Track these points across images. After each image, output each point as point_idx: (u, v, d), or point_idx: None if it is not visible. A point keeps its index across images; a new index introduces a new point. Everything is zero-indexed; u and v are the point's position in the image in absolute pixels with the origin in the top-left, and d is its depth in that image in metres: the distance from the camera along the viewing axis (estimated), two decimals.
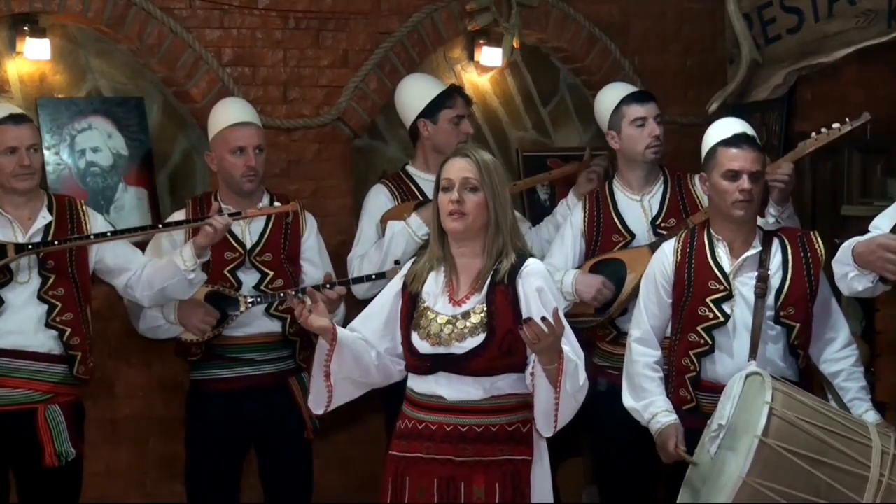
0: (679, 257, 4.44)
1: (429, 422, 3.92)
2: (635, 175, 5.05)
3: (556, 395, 3.81)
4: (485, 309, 3.87)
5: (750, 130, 4.45)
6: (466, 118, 5.23)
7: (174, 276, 4.69)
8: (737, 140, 4.34)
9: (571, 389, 3.83)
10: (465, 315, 3.89)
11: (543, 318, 3.73)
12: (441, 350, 3.88)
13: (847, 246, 4.09)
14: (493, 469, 3.89)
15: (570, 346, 3.88)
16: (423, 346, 3.91)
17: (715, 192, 4.37)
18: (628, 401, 4.46)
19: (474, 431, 3.88)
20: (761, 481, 3.81)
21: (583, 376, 3.87)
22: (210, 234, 4.65)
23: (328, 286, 4.80)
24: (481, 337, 3.86)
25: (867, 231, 4.14)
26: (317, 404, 4.03)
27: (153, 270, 4.75)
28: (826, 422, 3.92)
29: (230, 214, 4.78)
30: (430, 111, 5.20)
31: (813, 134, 4.79)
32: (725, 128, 4.44)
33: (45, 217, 4.63)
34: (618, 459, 4.98)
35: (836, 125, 4.74)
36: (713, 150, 4.38)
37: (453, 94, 5.24)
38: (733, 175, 4.30)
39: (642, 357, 4.45)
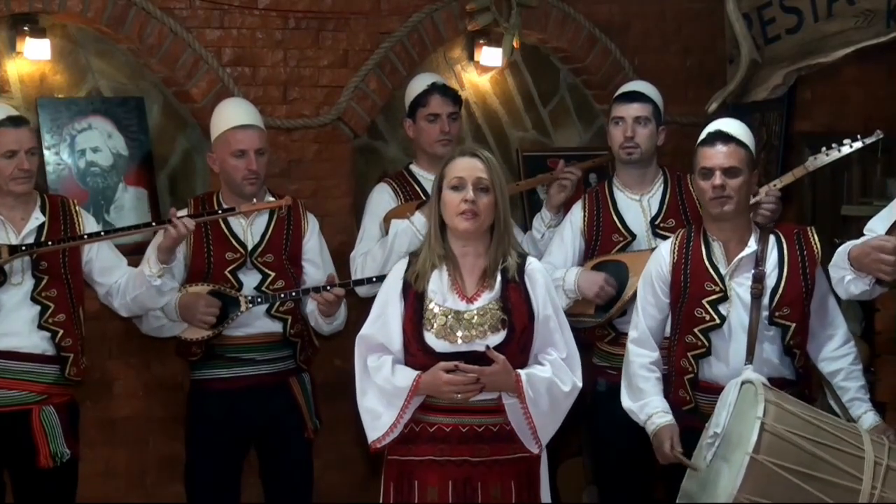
0: (675, 257, 4.44)
1: (441, 424, 3.92)
2: (629, 175, 5.04)
3: (526, 416, 3.87)
4: (501, 305, 3.89)
5: (731, 127, 4.39)
6: (446, 117, 5.17)
7: (143, 285, 4.68)
8: (711, 138, 4.35)
9: (547, 406, 3.88)
10: (481, 311, 3.90)
11: (487, 348, 3.84)
12: (462, 348, 3.88)
13: (843, 250, 4.09)
14: (508, 468, 3.92)
15: (557, 354, 3.92)
16: (440, 344, 3.91)
17: (697, 192, 4.43)
18: (626, 401, 4.46)
19: (490, 431, 3.91)
20: (753, 497, 3.81)
21: (565, 388, 3.90)
22: (171, 236, 4.60)
23: (328, 287, 4.81)
24: (503, 333, 3.89)
25: (863, 233, 4.14)
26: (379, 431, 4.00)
27: (127, 280, 4.75)
28: (818, 434, 3.91)
29: (224, 210, 4.79)
30: (412, 111, 5.24)
31: (823, 149, 4.74)
32: (708, 128, 4.44)
33: (37, 218, 4.62)
34: (616, 459, 4.97)
35: (847, 141, 4.69)
36: (695, 151, 4.40)
37: (428, 94, 5.21)
38: (706, 173, 4.31)
39: (638, 357, 4.45)
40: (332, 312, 4.86)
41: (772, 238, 4.39)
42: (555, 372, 3.91)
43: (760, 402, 3.91)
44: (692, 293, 4.38)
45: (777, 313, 4.31)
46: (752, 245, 4.35)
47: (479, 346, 3.88)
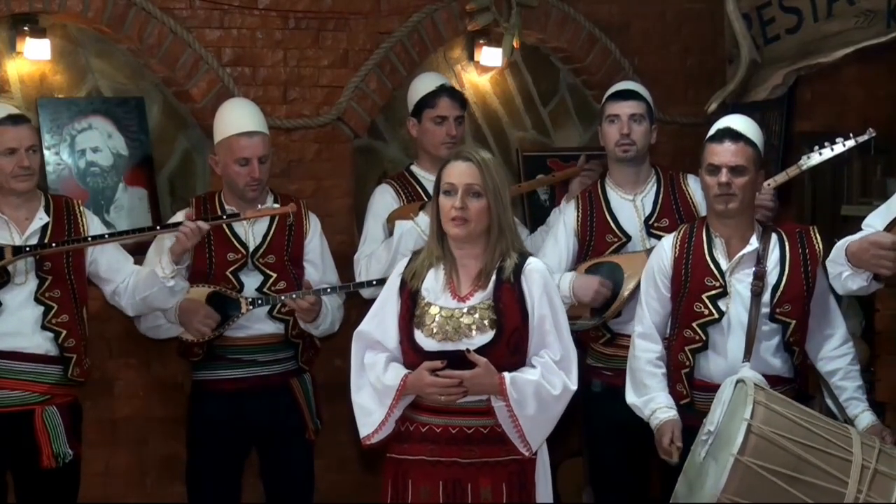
0: (677, 252, 4.45)
1: (433, 424, 3.91)
2: (622, 174, 5.02)
3: (512, 419, 3.85)
4: (492, 305, 3.88)
5: (740, 125, 4.40)
6: (453, 120, 5.14)
7: (154, 285, 4.67)
8: (720, 135, 4.37)
9: (535, 409, 3.85)
10: (471, 310, 3.89)
11: (468, 350, 3.82)
12: (449, 347, 3.88)
13: (840, 246, 4.10)
14: (499, 469, 3.90)
15: (549, 357, 3.89)
16: (428, 343, 3.90)
17: (703, 188, 4.43)
18: (630, 397, 4.46)
19: (480, 433, 3.89)
20: (735, 498, 3.81)
21: (554, 391, 3.86)
22: (182, 241, 4.60)
23: (328, 290, 4.81)
24: (490, 334, 3.87)
25: (861, 229, 4.14)
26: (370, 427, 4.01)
27: (136, 279, 4.74)
28: (806, 436, 3.90)
29: (228, 216, 4.77)
30: (417, 111, 5.20)
31: (816, 148, 4.76)
32: (717, 124, 4.46)
33: (42, 218, 4.61)
34: (611, 459, 4.97)
35: (839, 139, 4.70)
36: (703, 146, 4.41)
37: (436, 95, 5.18)
38: (713, 169, 4.33)
39: (644, 353, 4.45)
40: (308, 320, 4.85)
41: (774, 236, 4.40)
42: (543, 374, 3.87)
43: (749, 403, 3.91)
44: (692, 288, 4.39)
45: (778, 310, 4.33)
46: (753, 243, 4.36)
47: (464, 345, 3.86)
